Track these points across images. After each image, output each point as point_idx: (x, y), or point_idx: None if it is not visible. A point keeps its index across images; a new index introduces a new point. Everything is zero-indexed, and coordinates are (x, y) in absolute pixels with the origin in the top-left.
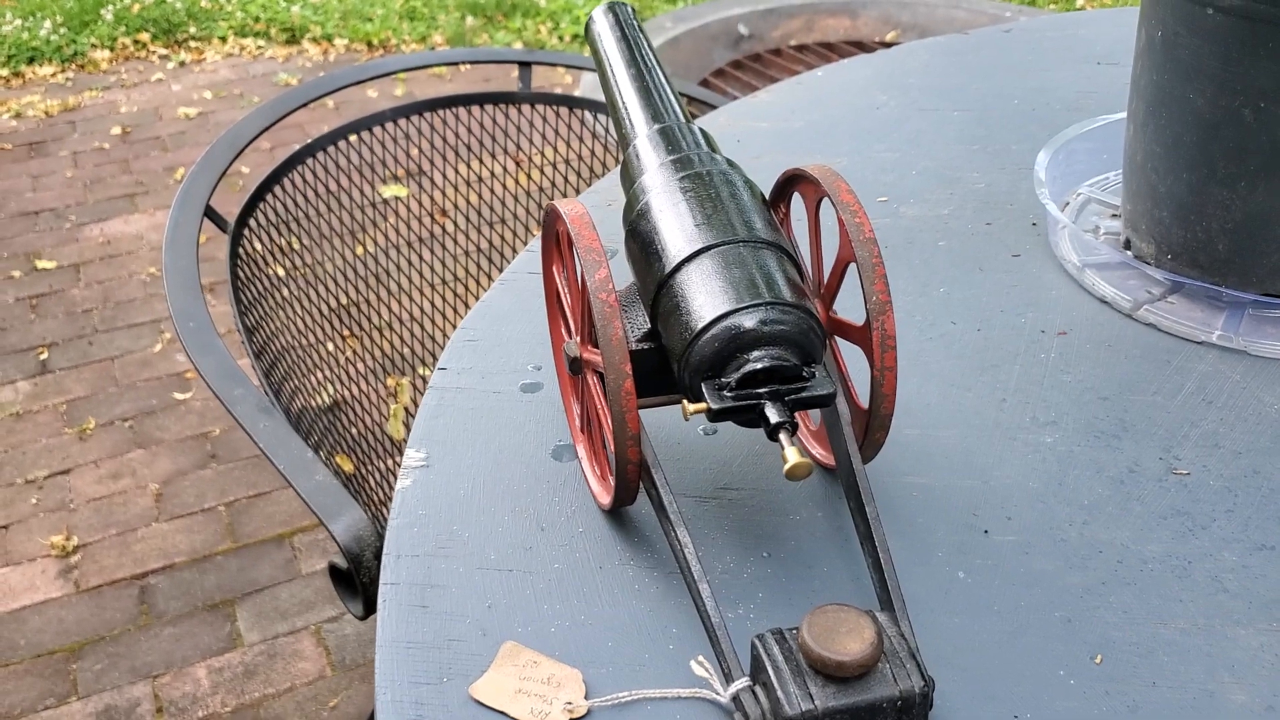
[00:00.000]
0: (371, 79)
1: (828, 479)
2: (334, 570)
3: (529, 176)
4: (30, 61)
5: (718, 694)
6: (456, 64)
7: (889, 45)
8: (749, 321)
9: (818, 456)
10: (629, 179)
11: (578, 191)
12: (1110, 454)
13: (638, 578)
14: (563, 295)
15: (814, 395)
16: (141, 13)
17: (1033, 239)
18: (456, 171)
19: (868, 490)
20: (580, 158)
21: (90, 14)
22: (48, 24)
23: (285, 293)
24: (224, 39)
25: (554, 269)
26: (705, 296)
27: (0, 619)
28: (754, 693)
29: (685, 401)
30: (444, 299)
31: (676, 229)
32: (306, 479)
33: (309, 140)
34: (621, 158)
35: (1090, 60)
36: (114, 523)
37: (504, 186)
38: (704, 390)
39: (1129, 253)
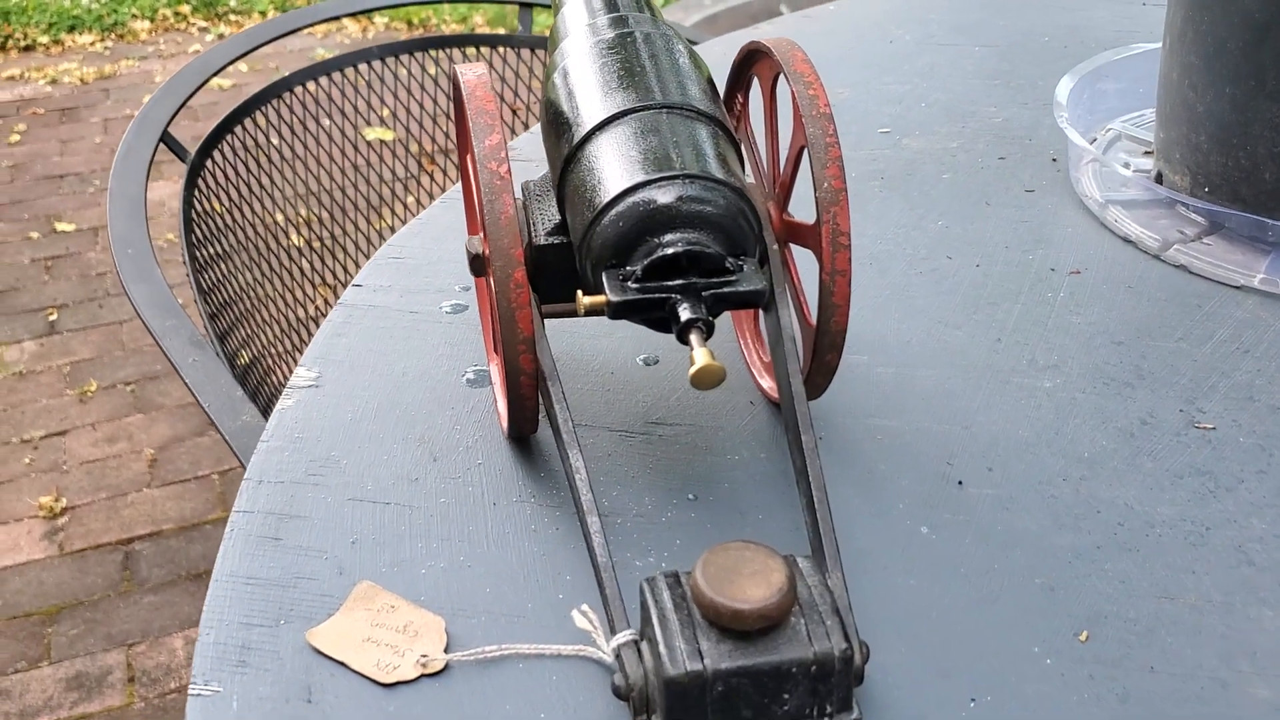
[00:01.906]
0: (357, 13)
1: (776, 417)
2: None
3: (526, 126)
4: (71, 30)
5: (601, 651)
6: (445, 1)
7: None
8: (663, 197)
9: (766, 390)
10: (553, 46)
11: None
12: (1120, 403)
13: (535, 517)
14: (472, 185)
15: (739, 291)
16: None
17: (1051, 174)
18: (448, 118)
19: (806, 415)
20: None
21: None
22: None
23: (247, 233)
24: (264, 13)
25: (468, 160)
26: (615, 167)
27: None
28: (638, 648)
29: (580, 293)
30: None
31: (595, 92)
32: (231, 419)
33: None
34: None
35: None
36: (105, 486)
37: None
38: (604, 281)
39: (1161, 189)
